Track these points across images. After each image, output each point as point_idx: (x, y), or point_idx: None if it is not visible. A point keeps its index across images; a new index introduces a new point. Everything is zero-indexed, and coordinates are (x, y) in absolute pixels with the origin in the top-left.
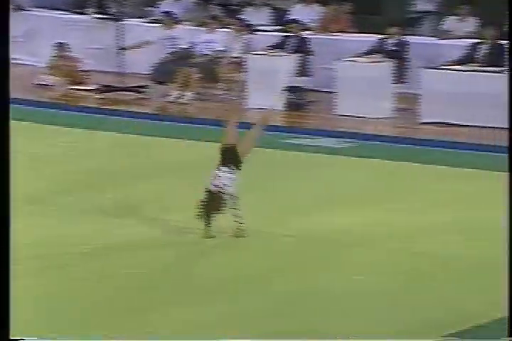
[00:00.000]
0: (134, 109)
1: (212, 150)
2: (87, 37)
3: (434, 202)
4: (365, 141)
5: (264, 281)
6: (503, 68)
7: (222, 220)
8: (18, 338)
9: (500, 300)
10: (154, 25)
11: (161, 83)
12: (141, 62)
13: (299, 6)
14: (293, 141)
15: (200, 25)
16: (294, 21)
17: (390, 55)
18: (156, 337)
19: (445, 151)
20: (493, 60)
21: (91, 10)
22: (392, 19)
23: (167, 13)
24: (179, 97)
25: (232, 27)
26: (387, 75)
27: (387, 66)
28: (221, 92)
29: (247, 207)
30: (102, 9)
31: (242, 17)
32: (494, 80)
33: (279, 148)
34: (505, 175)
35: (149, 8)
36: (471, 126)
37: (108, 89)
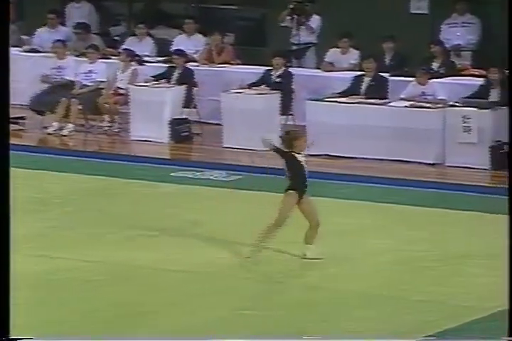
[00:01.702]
0: (12, 141)
1: (92, 184)
2: None
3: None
4: (252, 174)
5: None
6: (385, 100)
7: (111, 256)
8: (18, 338)
9: None
10: (32, 54)
11: (40, 114)
12: (20, 93)
13: (182, 37)
14: (180, 174)
15: (81, 55)
16: (178, 52)
17: (275, 86)
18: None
19: (331, 183)
20: (376, 92)
21: None
22: (277, 50)
23: (59, 41)
24: (59, 129)
25: (116, 57)
26: (273, 107)
27: (272, 98)
28: (103, 124)
29: (141, 241)
30: None
31: (126, 47)
32: (377, 112)
33: (167, 181)
34: (391, 206)
35: (26, 37)
36: (356, 158)
37: None
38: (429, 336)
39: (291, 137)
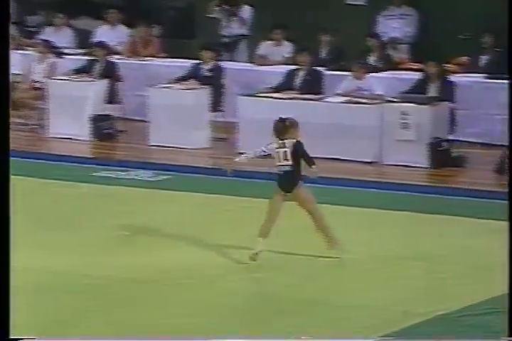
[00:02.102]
0: None
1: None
2: None
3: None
4: (180, 174)
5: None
6: (321, 96)
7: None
8: (18, 338)
9: None
10: None
11: None
12: None
13: (104, 28)
14: (104, 174)
15: None
16: (100, 44)
17: (205, 81)
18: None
19: (265, 183)
20: (311, 86)
21: None
22: (206, 43)
23: None
24: None
25: (33, 48)
26: (203, 103)
27: (202, 93)
28: (19, 120)
29: (59, 245)
30: None
31: (44, 38)
32: (312, 108)
33: (89, 181)
34: (326, 207)
35: None
36: None
37: None
38: None
39: (288, 125)
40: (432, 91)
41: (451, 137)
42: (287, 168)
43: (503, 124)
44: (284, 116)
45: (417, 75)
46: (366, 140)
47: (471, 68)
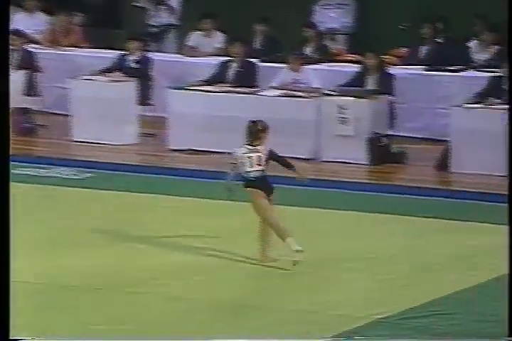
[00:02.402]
0: None
1: None
2: None
3: (185, 240)
4: (106, 171)
5: None
6: (255, 89)
7: None
8: (18, 338)
9: None
10: None
11: None
12: None
13: (20, 15)
14: (22, 172)
15: None
16: (16, 32)
17: (131, 73)
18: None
19: (197, 181)
20: (244, 79)
21: None
22: (133, 33)
23: None
24: None
25: None
26: (130, 96)
27: (129, 85)
28: None
29: None
30: None
31: None
32: (246, 102)
33: None
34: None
35: None
36: (223, 153)
37: None
38: None
39: (260, 128)
40: (371, 84)
41: (390, 132)
42: (259, 173)
43: (443, 118)
44: (254, 119)
45: (355, 67)
46: (303, 135)
47: (410, 60)
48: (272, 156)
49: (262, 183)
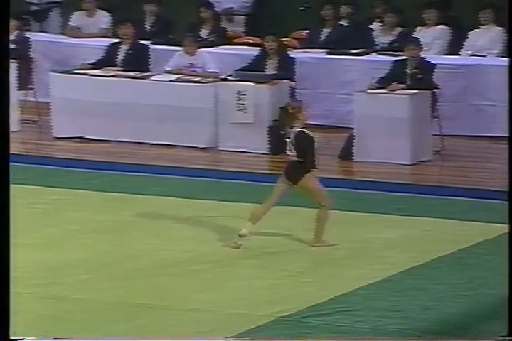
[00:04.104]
0: None
1: None
2: None
3: (68, 235)
4: None
5: None
6: (147, 73)
7: None
8: (18, 338)
9: None
10: None
11: None
12: None
13: None
14: None
15: None
16: None
17: (9, 54)
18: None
19: (83, 172)
20: (135, 63)
21: None
22: (11, 11)
23: None
24: None
25: None
26: (8, 80)
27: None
28: None
29: None
30: None
31: None
32: (138, 87)
33: None
34: (155, 199)
35: None
36: (112, 141)
37: None
38: None
39: (296, 110)
40: (271, 68)
41: None
42: (293, 159)
43: (347, 104)
44: (286, 103)
45: (254, 51)
46: (199, 123)
47: (311, 43)
48: (299, 141)
49: (289, 169)
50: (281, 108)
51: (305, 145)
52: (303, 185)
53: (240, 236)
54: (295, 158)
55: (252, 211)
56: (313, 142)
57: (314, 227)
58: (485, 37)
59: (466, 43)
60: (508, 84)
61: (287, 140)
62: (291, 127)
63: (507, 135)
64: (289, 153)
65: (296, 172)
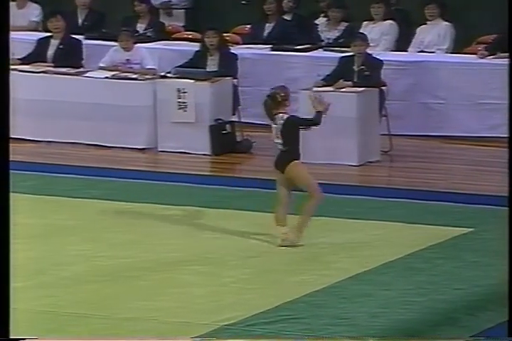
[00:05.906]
0: None
1: None
2: None
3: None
4: None
5: None
6: (80, 69)
7: None
8: (18, 338)
9: None
10: None
11: None
12: None
13: None
14: None
15: None
16: None
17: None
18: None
19: (12, 174)
20: (67, 58)
21: None
22: None
23: None
24: None
25: None
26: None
27: None
28: None
29: None
30: None
31: None
32: (70, 84)
33: None
34: (89, 202)
35: None
36: (43, 141)
37: None
38: None
39: (285, 97)
40: (212, 65)
41: (234, 118)
42: (279, 147)
43: (292, 103)
44: (272, 91)
45: (194, 46)
46: (137, 122)
47: (254, 38)
48: (289, 126)
49: (277, 158)
50: (268, 96)
51: (294, 131)
52: (290, 172)
53: (283, 240)
54: (281, 147)
55: (275, 217)
56: (299, 129)
57: (297, 222)
58: (433, 32)
59: (414, 39)
60: (508, 84)
61: (274, 126)
62: (278, 113)
63: (457, 134)
64: (276, 140)
65: (282, 159)
